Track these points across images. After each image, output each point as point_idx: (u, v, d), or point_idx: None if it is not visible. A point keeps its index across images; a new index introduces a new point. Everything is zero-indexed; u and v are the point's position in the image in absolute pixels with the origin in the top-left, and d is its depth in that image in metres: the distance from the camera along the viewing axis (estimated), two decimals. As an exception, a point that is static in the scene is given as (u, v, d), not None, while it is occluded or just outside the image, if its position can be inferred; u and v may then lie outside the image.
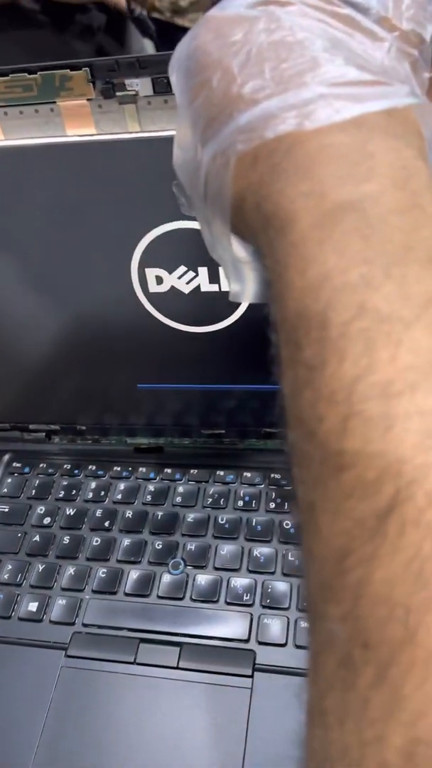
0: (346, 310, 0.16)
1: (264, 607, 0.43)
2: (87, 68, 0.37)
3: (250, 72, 0.20)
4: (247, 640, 0.42)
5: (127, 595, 0.45)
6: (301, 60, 0.20)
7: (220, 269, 0.38)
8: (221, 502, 0.49)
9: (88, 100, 0.38)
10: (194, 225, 0.40)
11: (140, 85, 0.38)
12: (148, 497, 0.50)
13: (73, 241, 0.42)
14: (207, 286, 0.42)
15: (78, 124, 0.39)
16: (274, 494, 0.49)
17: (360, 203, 0.17)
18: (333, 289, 0.17)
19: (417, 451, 0.15)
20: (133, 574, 0.46)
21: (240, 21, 0.21)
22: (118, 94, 0.38)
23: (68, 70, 0.37)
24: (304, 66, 0.20)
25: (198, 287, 0.42)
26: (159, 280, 0.43)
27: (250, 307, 0.43)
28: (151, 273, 0.42)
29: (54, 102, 0.38)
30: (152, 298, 0.44)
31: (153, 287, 0.43)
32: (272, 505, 0.48)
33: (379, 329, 0.16)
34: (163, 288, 0.43)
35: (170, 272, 0.42)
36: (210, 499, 0.49)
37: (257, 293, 0.26)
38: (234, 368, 0.48)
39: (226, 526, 0.47)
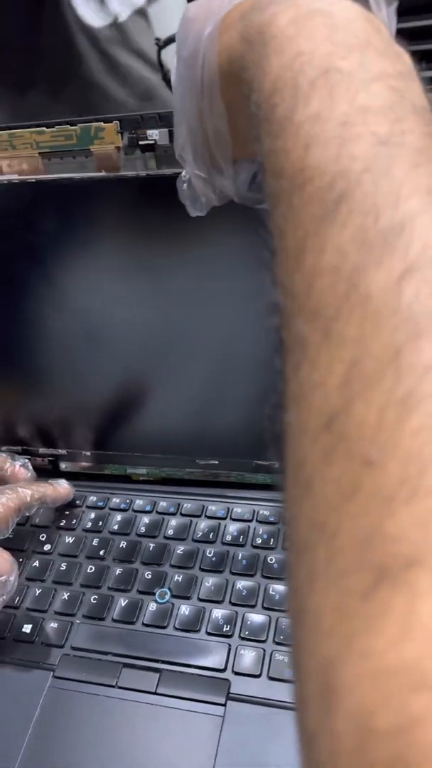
0: (313, 72, 0.19)
1: (242, 638, 0.45)
2: (117, 121, 0.44)
3: None
4: (223, 670, 0.44)
5: (114, 621, 0.47)
6: None
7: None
8: (210, 537, 0.51)
9: (116, 147, 0.45)
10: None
11: (158, 135, 0.44)
12: (142, 529, 0.53)
13: (89, 264, 0.49)
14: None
15: (106, 167, 0.45)
16: (261, 530, 0.51)
17: (328, 11, 0.21)
18: (303, 62, 0.20)
19: (367, 154, 0.17)
20: (122, 602, 0.48)
21: None
22: (140, 143, 0.45)
23: (102, 123, 0.45)
24: None
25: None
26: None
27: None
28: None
29: (88, 149, 0.46)
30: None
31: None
32: (258, 541, 0.50)
33: (341, 83, 0.19)
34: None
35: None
36: (200, 533, 0.52)
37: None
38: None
39: (213, 559, 0.50)
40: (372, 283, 0.15)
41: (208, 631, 0.46)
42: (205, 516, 0.53)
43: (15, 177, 0.46)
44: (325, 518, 0.14)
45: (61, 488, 0.54)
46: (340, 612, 0.13)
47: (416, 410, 0.14)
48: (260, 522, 0.52)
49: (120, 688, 0.44)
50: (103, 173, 0.45)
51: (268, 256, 0.20)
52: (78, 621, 0.48)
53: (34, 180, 0.46)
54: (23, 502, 0.49)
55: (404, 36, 0.27)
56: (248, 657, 0.44)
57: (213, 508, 0.53)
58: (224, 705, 0.42)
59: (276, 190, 0.19)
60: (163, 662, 0.45)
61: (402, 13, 0.29)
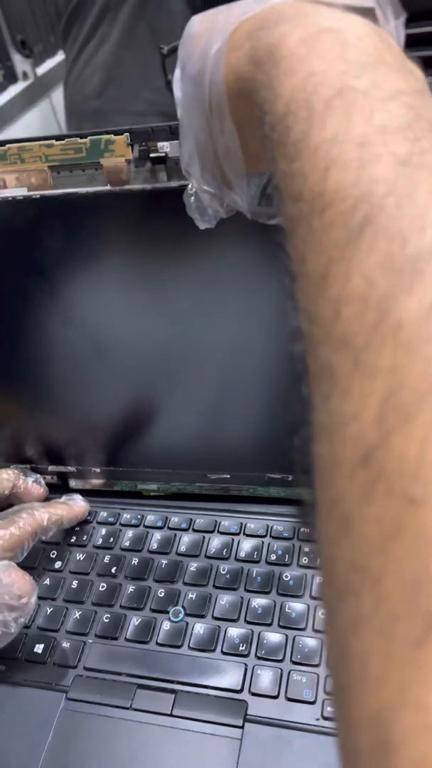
0: (327, 92, 0.19)
1: (259, 658, 0.44)
2: (127, 133, 0.44)
3: (248, 5, 0.25)
4: (240, 690, 0.43)
5: (128, 640, 0.47)
6: None
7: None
8: (224, 553, 0.50)
9: (126, 160, 0.44)
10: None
11: (170, 148, 0.44)
12: (154, 545, 0.52)
13: (99, 280, 0.48)
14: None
15: (117, 180, 0.45)
16: (275, 546, 0.50)
17: (338, 28, 0.21)
18: (316, 82, 0.19)
19: (389, 175, 0.17)
20: (135, 621, 0.47)
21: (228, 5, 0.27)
22: (151, 156, 0.44)
23: (112, 135, 0.44)
24: None
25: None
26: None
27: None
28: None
29: (98, 162, 0.45)
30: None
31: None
32: (273, 557, 0.49)
33: (357, 103, 0.18)
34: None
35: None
36: (213, 550, 0.51)
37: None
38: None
39: (227, 576, 0.49)
40: (403, 312, 0.15)
41: (224, 650, 0.45)
42: (218, 532, 0.52)
43: (21, 193, 0.46)
44: (368, 560, 0.14)
45: (77, 507, 0.53)
46: (391, 659, 0.13)
47: None
48: (274, 537, 0.51)
49: (134, 710, 0.43)
50: (109, 187, 0.44)
51: (289, 281, 0.19)
52: (91, 641, 0.47)
53: (39, 196, 0.45)
54: (40, 526, 0.48)
55: (408, 42, 0.26)
56: (265, 677, 0.43)
57: (226, 523, 0.53)
58: (242, 727, 0.41)
59: (294, 213, 0.19)
60: (179, 683, 0.44)
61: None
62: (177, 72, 0.30)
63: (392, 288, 0.15)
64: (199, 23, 0.28)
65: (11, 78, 1.47)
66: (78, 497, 0.54)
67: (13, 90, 1.46)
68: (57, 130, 1.03)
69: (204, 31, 0.27)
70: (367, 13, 0.25)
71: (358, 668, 0.13)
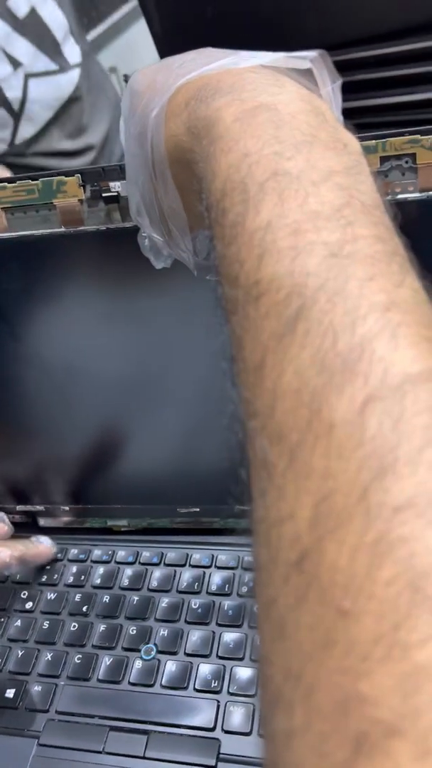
0: (262, 174, 0.19)
1: (231, 694, 0.44)
2: (79, 174, 0.44)
3: (187, 66, 0.26)
4: (212, 729, 0.42)
5: (100, 681, 0.46)
6: (224, 54, 0.25)
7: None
8: (195, 587, 0.50)
9: (79, 201, 0.44)
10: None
11: (121, 187, 0.44)
12: (126, 582, 0.52)
13: (59, 319, 0.48)
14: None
15: (71, 221, 0.45)
16: (246, 578, 0.50)
17: (273, 105, 0.21)
18: (251, 162, 0.20)
19: (321, 268, 0.17)
20: (107, 660, 0.47)
21: (168, 61, 0.27)
22: (104, 195, 0.44)
23: (63, 177, 0.44)
24: (227, 54, 0.25)
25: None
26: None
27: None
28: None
29: (51, 203, 0.45)
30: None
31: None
32: (244, 590, 0.49)
33: (290, 186, 0.19)
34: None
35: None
36: (184, 584, 0.51)
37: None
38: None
39: (199, 611, 0.49)
40: (334, 412, 0.15)
41: (196, 687, 0.44)
42: (189, 565, 0.52)
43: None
44: (301, 668, 0.14)
45: (42, 546, 0.52)
46: None
47: (388, 557, 0.13)
48: (245, 569, 0.51)
49: (107, 753, 0.43)
50: (64, 229, 0.45)
51: (228, 363, 0.19)
52: (62, 683, 0.47)
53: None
54: (2, 563, 0.48)
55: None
56: (237, 714, 0.43)
57: (197, 556, 0.52)
58: (215, 767, 0.41)
59: (231, 296, 0.19)
60: (151, 723, 0.43)
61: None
62: (122, 122, 0.31)
63: (324, 386, 0.15)
64: (142, 79, 0.28)
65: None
66: (45, 538, 0.54)
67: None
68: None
69: (145, 89, 0.27)
70: (305, 73, 0.25)
71: None
